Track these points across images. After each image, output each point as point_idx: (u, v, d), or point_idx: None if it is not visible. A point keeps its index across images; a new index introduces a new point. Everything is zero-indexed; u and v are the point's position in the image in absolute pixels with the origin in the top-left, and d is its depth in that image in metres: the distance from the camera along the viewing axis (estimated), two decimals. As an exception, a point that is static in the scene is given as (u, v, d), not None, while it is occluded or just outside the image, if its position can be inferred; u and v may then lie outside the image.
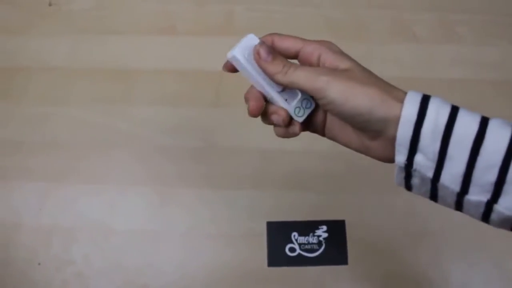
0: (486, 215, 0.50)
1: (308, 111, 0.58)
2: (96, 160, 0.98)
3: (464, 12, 1.09)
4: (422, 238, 0.91)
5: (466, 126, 0.47)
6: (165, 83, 1.04)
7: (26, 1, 1.12)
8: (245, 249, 0.91)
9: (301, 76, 0.53)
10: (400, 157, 0.50)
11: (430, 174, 0.50)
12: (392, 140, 0.50)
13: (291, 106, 0.57)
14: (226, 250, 0.91)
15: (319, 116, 0.59)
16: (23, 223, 0.93)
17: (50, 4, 1.11)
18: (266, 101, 0.58)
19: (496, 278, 0.89)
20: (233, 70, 0.57)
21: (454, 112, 0.48)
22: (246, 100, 0.58)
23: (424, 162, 0.49)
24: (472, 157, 0.47)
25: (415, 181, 0.52)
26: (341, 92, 0.51)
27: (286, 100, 0.57)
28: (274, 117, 0.57)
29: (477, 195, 0.48)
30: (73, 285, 0.90)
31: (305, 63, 0.56)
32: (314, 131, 0.61)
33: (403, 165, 0.51)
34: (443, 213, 0.90)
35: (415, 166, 0.50)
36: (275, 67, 0.54)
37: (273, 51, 0.55)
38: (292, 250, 0.91)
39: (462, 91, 1.02)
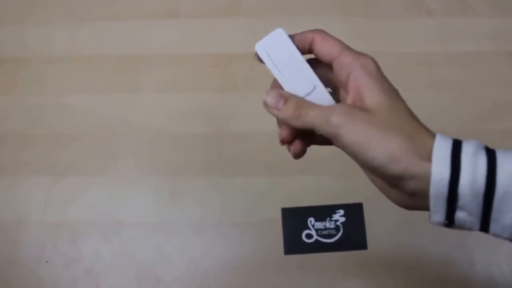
0: None
1: None
2: (103, 151, 0.96)
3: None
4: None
5: (510, 174, 0.42)
6: (171, 68, 1.02)
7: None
8: (260, 238, 0.90)
9: (314, 118, 0.48)
10: (437, 217, 0.45)
11: (476, 227, 0.45)
12: (417, 193, 0.46)
13: None
14: (241, 239, 0.90)
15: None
16: (29, 220, 0.92)
17: (48, -9, 1.09)
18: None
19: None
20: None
21: (491, 159, 0.43)
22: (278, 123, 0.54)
23: (467, 219, 0.44)
24: None
25: (458, 228, 0.47)
26: (354, 142, 0.46)
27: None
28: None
29: None
30: (83, 281, 0.88)
31: (337, 77, 0.51)
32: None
33: (442, 223, 0.46)
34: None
35: (457, 222, 0.45)
36: (287, 111, 0.50)
37: (282, 95, 0.51)
38: (309, 236, 0.89)
39: (477, 64, 1.00)
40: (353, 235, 0.89)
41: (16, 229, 0.91)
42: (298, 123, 0.49)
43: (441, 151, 0.44)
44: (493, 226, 0.44)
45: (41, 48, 1.05)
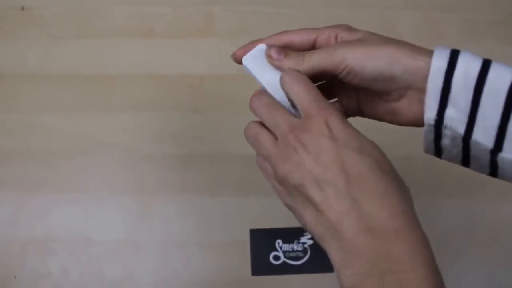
0: None
1: None
2: (73, 169, 0.97)
3: (449, 11, 1.08)
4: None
5: (500, 76, 0.47)
6: (143, 88, 1.03)
7: (-2, 6, 1.10)
8: (228, 258, 0.91)
9: (317, 58, 0.53)
10: (430, 113, 0.50)
11: (461, 129, 0.49)
12: (419, 95, 0.51)
13: None
14: (209, 259, 0.90)
15: (352, 99, 0.60)
16: (-2, 236, 0.92)
17: (22, 9, 1.09)
18: None
19: (484, 285, 0.90)
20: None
21: (486, 63, 0.48)
22: None
23: (455, 116, 0.49)
24: (507, 108, 0.46)
25: (445, 142, 0.52)
26: (358, 58, 0.51)
27: None
28: None
29: None
30: (51, 298, 0.88)
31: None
32: (353, 114, 0.61)
33: (433, 122, 0.50)
34: (435, 221, 0.92)
35: (445, 121, 0.50)
36: (291, 61, 0.54)
37: (283, 49, 0.55)
38: (277, 258, 0.90)
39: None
40: (320, 258, 0.89)
41: (-15, 244, 0.91)
42: (303, 67, 0.53)
43: (441, 49, 0.50)
44: (476, 131, 0.48)
45: (13, 65, 1.05)
